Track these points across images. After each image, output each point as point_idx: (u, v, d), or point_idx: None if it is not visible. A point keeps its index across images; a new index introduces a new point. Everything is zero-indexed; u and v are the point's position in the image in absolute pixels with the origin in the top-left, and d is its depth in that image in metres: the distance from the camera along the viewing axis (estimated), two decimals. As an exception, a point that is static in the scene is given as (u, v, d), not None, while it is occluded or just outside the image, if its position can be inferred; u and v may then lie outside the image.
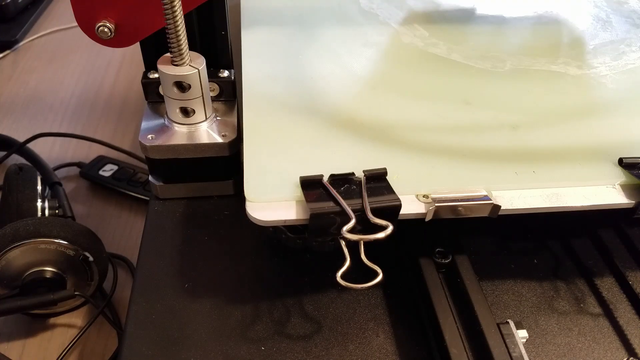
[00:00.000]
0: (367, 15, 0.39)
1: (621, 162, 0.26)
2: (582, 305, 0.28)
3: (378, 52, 0.35)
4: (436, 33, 0.37)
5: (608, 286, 0.29)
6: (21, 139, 0.43)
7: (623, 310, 0.28)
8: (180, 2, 0.25)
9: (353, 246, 0.23)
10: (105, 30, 0.27)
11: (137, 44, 0.30)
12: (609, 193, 0.26)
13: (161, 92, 0.29)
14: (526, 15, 0.41)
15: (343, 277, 0.22)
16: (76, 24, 0.59)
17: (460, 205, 0.24)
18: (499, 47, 0.36)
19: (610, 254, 0.30)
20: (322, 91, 0.31)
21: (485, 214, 0.25)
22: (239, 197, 0.25)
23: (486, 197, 0.25)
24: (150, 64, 0.31)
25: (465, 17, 0.40)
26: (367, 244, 0.23)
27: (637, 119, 0.30)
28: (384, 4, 0.41)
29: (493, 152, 0.27)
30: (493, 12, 0.41)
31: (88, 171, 0.43)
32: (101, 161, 0.43)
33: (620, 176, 0.26)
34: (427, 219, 0.24)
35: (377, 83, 0.32)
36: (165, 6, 0.25)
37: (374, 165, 0.25)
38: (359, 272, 0.22)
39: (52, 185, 0.39)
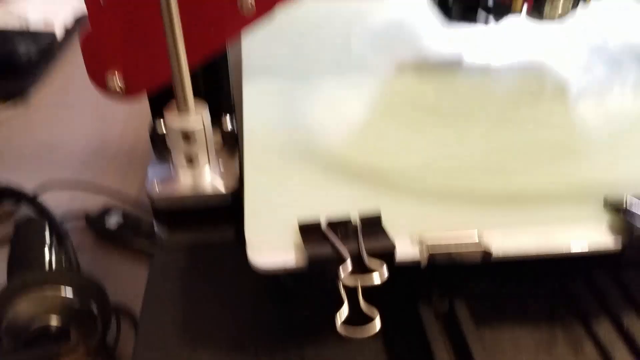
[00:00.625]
0: (360, 66, 0.42)
1: (606, 202, 0.27)
2: (579, 350, 0.28)
3: (371, 98, 0.37)
4: (425, 80, 0.39)
5: (605, 330, 0.29)
6: (30, 189, 0.44)
7: (620, 357, 0.27)
8: (185, 57, 0.27)
9: (352, 291, 0.24)
10: (116, 85, 0.29)
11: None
12: (596, 236, 0.26)
13: (167, 144, 0.31)
14: (510, 64, 0.43)
15: (343, 322, 0.23)
16: (84, 76, 0.61)
17: (454, 253, 0.25)
18: (485, 92, 0.38)
19: (605, 296, 0.30)
20: (319, 136, 0.33)
21: (477, 259, 0.26)
22: (241, 244, 0.26)
23: (478, 243, 0.26)
24: (157, 114, 0.33)
25: (453, 64, 0.42)
26: (366, 288, 0.24)
27: (621, 159, 0.31)
28: (375, 55, 0.43)
29: (483, 194, 0.28)
30: (478, 60, 0.43)
31: (94, 222, 0.44)
32: (107, 212, 0.44)
33: (606, 218, 0.27)
34: (422, 266, 0.25)
35: (370, 128, 0.34)
36: (172, 61, 0.27)
37: (369, 207, 0.26)
38: (359, 316, 0.23)
39: (59, 237, 0.40)
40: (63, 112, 0.59)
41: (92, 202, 0.46)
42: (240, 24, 0.29)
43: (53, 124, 0.57)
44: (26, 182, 0.46)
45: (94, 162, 0.51)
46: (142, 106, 0.58)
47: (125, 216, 0.44)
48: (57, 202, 0.46)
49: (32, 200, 0.44)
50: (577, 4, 0.38)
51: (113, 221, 0.43)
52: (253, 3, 0.28)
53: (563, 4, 0.37)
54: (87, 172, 0.50)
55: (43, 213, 0.42)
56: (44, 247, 0.38)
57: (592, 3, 0.38)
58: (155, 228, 0.33)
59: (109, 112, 0.59)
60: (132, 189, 0.48)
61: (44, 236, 0.39)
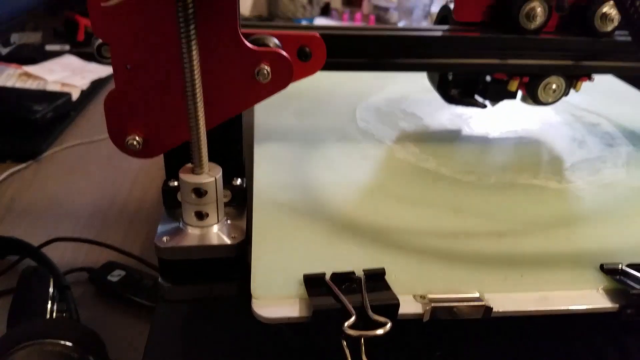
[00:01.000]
0: (365, 134, 0.44)
1: (602, 267, 0.28)
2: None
3: (375, 165, 0.39)
4: (426, 150, 0.41)
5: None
6: (36, 243, 0.45)
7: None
8: (204, 120, 0.29)
9: (354, 348, 0.24)
10: (135, 143, 0.31)
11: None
12: (593, 297, 0.27)
13: (179, 199, 0.32)
14: (508, 136, 0.46)
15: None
16: (97, 138, 0.64)
17: (455, 307, 0.26)
18: (484, 163, 0.40)
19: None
20: (325, 197, 0.34)
21: (479, 315, 0.26)
22: (243, 298, 0.26)
23: (479, 299, 0.26)
24: (171, 173, 0.35)
25: (452, 136, 0.45)
26: (369, 345, 0.24)
27: (615, 228, 0.33)
28: (378, 125, 0.46)
29: (483, 257, 0.29)
30: (477, 133, 0.46)
31: (96, 276, 0.44)
32: (110, 267, 0.45)
33: (602, 281, 0.28)
34: (424, 320, 0.26)
35: (374, 191, 0.36)
36: (191, 124, 0.28)
37: (373, 265, 0.27)
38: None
39: (62, 289, 0.41)
40: (73, 172, 0.61)
41: (96, 258, 0.47)
42: (257, 92, 0.31)
43: (63, 182, 0.59)
44: (32, 237, 0.47)
45: (100, 220, 0.52)
46: (149, 170, 0.61)
47: (128, 272, 0.45)
48: (61, 256, 0.47)
49: (35, 252, 0.44)
50: (568, 91, 0.41)
51: (115, 276, 0.44)
52: (269, 70, 0.30)
53: (555, 91, 0.40)
54: (92, 229, 0.51)
55: (46, 265, 0.43)
56: (46, 298, 0.38)
57: (582, 87, 0.41)
58: (160, 280, 0.33)
59: (117, 173, 0.61)
60: (135, 247, 0.49)
61: (45, 287, 0.39)
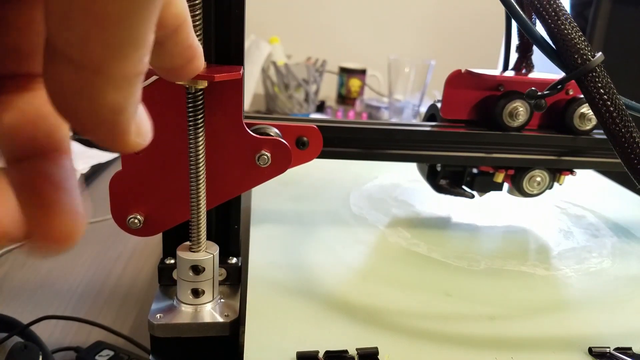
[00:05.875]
0: (358, 218, 0.46)
1: (591, 351, 0.29)
2: None
3: (367, 248, 0.40)
4: (417, 235, 0.43)
5: None
6: (26, 320, 0.44)
7: None
8: (205, 201, 0.30)
9: None
10: (136, 221, 0.32)
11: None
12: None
13: (174, 277, 0.33)
14: (495, 225, 0.47)
15: None
16: (94, 219, 0.65)
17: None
18: (473, 249, 0.41)
19: None
20: (319, 278, 0.35)
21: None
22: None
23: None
24: (168, 251, 0.36)
25: (442, 223, 0.47)
26: None
27: (602, 314, 0.33)
28: (371, 211, 0.48)
29: (474, 339, 0.30)
30: (466, 221, 0.47)
31: (84, 356, 0.43)
32: (99, 346, 0.44)
33: (592, 363, 0.28)
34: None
35: (366, 273, 0.36)
36: (192, 204, 0.30)
37: (366, 344, 0.27)
38: None
39: (47, 368, 0.40)
40: (68, 252, 0.61)
41: (85, 337, 0.46)
42: (256, 176, 0.33)
43: (56, 261, 0.59)
44: (23, 314, 0.46)
45: (91, 299, 0.52)
46: (142, 251, 0.61)
47: (116, 352, 0.44)
48: (50, 334, 0.46)
49: (24, 330, 0.43)
50: (552, 185, 0.44)
51: (103, 356, 0.43)
52: (269, 156, 0.32)
53: (539, 184, 0.43)
54: (83, 307, 0.50)
55: (34, 343, 0.42)
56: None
57: (566, 180, 0.44)
58: (151, 358, 0.33)
59: (111, 254, 0.61)
60: (126, 326, 0.48)
61: (32, 366, 0.38)
